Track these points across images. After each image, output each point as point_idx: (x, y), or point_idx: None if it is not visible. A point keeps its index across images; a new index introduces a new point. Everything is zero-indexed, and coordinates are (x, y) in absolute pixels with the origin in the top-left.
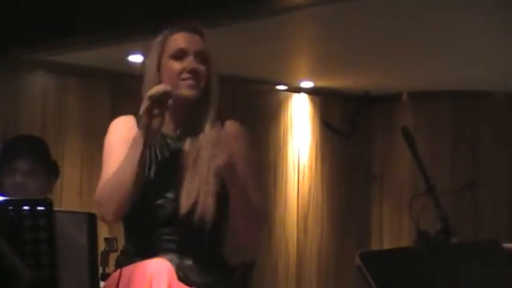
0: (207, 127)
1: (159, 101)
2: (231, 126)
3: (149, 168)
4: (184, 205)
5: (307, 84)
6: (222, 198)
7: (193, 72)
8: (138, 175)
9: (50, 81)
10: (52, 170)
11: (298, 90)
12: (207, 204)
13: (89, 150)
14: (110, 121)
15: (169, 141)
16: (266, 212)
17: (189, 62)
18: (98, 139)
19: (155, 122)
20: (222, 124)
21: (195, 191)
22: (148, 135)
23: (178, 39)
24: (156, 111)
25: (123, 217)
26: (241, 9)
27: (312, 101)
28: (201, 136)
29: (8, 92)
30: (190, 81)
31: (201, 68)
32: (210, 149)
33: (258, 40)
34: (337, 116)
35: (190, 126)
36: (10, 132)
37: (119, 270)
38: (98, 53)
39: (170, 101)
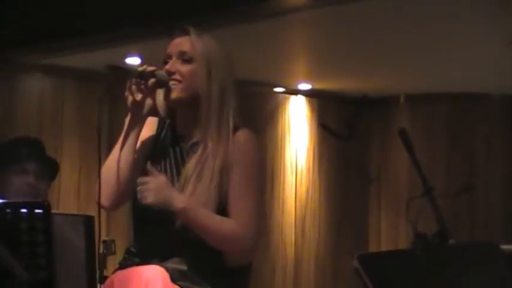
0: (213, 135)
1: (141, 78)
2: (240, 136)
3: (156, 166)
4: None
5: (304, 86)
6: (221, 208)
7: (171, 74)
8: (127, 158)
9: (47, 84)
10: (54, 172)
11: (296, 92)
12: None
13: (86, 153)
14: (106, 123)
15: (181, 142)
16: (243, 236)
17: (169, 64)
18: (95, 141)
19: (141, 101)
20: (235, 131)
21: (195, 203)
22: (135, 115)
23: (169, 45)
24: (140, 90)
25: (131, 214)
26: (238, 11)
27: (310, 103)
28: (209, 145)
29: (5, 94)
30: (172, 83)
31: (183, 67)
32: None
33: (255, 42)
34: (335, 118)
35: (198, 129)
36: (7, 134)
37: (112, 276)
38: (94, 55)
39: (152, 80)
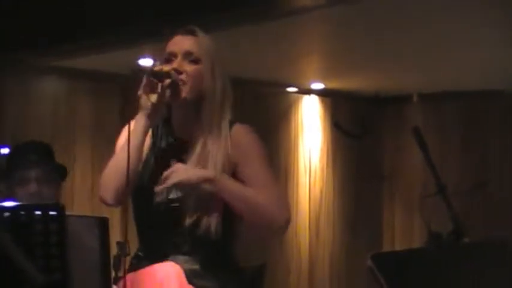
0: (214, 131)
1: (157, 78)
2: (238, 130)
3: (156, 167)
4: (189, 218)
5: (317, 85)
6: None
7: (179, 73)
8: (134, 157)
9: (60, 86)
10: (62, 175)
11: (309, 92)
12: (212, 220)
13: (100, 154)
14: (119, 124)
15: (179, 142)
16: (273, 206)
17: (175, 63)
18: (108, 143)
19: (155, 101)
20: (231, 127)
21: (201, 203)
22: (149, 115)
23: (171, 43)
24: (154, 89)
25: (134, 219)
26: (251, 11)
27: (323, 102)
28: (209, 142)
29: (19, 96)
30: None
31: (190, 67)
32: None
33: (268, 42)
34: (348, 117)
35: (198, 128)
36: (20, 137)
37: (124, 278)
38: (107, 57)
39: (168, 80)
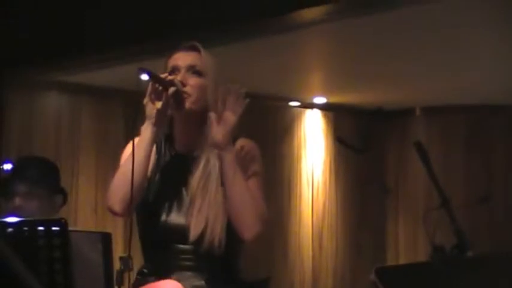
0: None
1: (162, 84)
2: (242, 144)
3: (160, 183)
4: (193, 233)
5: (320, 100)
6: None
7: (182, 85)
8: (142, 166)
9: (64, 101)
10: (55, 191)
11: (311, 106)
12: (216, 234)
13: (103, 168)
14: (123, 139)
15: (182, 157)
16: (260, 211)
17: (179, 76)
18: (111, 157)
19: (162, 110)
20: (234, 141)
21: (204, 218)
22: (155, 123)
23: (173, 59)
24: (159, 97)
25: (139, 235)
26: (253, 25)
27: (325, 116)
28: (212, 156)
29: (23, 112)
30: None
31: (192, 80)
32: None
33: (270, 56)
34: (351, 131)
35: (201, 142)
36: (25, 151)
37: None
38: (110, 72)
39: (173, 88)
